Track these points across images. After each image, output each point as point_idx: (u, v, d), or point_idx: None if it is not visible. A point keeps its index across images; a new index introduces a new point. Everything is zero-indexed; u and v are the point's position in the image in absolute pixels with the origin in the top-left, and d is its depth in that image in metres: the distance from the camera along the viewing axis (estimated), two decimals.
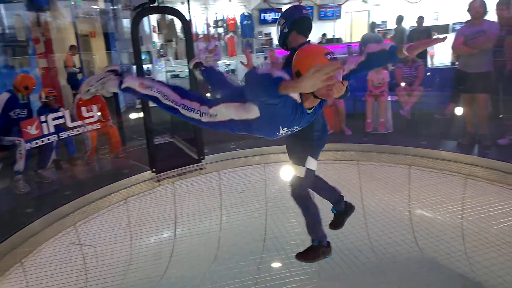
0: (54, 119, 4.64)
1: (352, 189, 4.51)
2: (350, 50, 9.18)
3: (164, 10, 6.05)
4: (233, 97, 2.11)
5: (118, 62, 8.92)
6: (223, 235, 4.00)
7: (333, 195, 2.71)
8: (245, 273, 3.21)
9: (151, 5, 4.76)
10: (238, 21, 11.79)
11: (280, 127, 2.00)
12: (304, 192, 2.53)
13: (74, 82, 7.50)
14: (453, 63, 8.87)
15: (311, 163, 2.49)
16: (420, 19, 8.25)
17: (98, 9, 8.05)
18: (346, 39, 11.64)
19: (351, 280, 3.40)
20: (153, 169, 4.85)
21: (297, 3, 4.53)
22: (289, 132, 2.07)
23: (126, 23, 9.03)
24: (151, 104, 7.79)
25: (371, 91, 6.14)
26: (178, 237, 4.00)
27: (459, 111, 5.44)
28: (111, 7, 8.66)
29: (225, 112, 2.09)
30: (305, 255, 2.61)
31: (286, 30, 2.51)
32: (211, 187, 4.72)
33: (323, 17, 12.07)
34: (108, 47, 8.44)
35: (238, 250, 3.63)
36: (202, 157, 5.19)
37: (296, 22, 2.50)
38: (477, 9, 4.73)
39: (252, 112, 1.99)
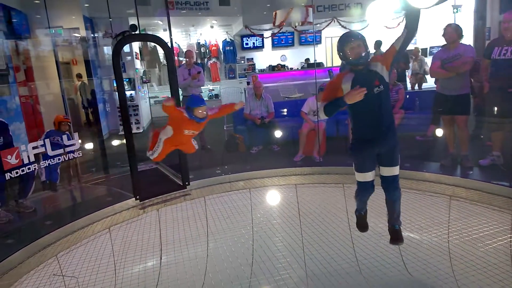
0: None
1: (338, 212, 4.53)
2: (331, 74, 9.42)
3: (145, 37, 6.12)
4: None
5: (99, 88, 8.91)
6: (210, 261, 3.92)
7: None
8: None
9: (133, 33, 4.82)
10: (221, 47, 12.03)
11: None
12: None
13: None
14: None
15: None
16: None
17: (79, 37, 8.09)
18: (327, 63, 11.96)
19: None
20: (137, 196, 4.78)
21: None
22: None
23: (107, 50, 9.08)
24: (134, 130, 7.73)
25: None
26: (164, 265, 3.90)
27: (439, 132, 5.58)
28: (92, 35, 8.72)
29: None
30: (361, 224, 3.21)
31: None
32: (197, 213, 4.67)
33: (304, 43, 12.44)
34: (90, 74, 8.44)
35: (225, 277, 3.56)
36: (187, 183, 5.16)
37: None
38: (450, 34, 4.92)
39: None
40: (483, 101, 5.25)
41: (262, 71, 11.86)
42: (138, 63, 10.53)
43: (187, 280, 3.56)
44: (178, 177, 5.29)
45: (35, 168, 4.57)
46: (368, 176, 2.76)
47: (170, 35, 5.94)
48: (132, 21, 6.97)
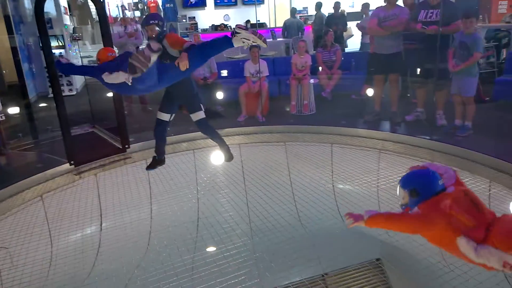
0: None
1: (280, 168, 4.67)
2: (274, 34, 9.35)
3: None
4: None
5: (23, 46, 8.06)
6: (154, 223, 3.89)
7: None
8: (178, 258, 3.17)
9: None
10: (160, 4, 11.36)
11: None
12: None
13: None
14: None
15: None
16: (337, 4, 8.67)
17: None
18: (270, 24, 11.81)
19: (284, 254, 3.54)
20: (71, 162, 4.52)
21: None
22: None
23: (28, 4, 8.19)
24: (66, 92, 7.21)
25: (295, 75, 6.35)
26: (104, 231, 3.80)
27: (371, 92, 5.87)
28: None
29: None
30: (150, 165, 3.83)
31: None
32: (139, 177, 4.53)
33: (247, 2, 12.13)
34: (11, 31, 7.58)
35: (168, 235, 3.57)
36: (127, 146, 4.96)
37: None
38: None
39: None
40: (410, 62, 5.54)
41: (204, 30, 11.44)
42: (67, 19, 9.63)
43: (130, 242, 3.52)
44: (117, 140, 5.07)
45: None
46: (163, 116, 3.56)
47: None
48: None
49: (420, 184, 2.02)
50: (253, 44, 2.90)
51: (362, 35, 8.67)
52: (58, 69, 3.51)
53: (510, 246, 1.73)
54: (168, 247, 3.32)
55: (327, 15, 9.29)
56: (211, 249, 3.44)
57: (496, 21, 8.35)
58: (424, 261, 3.26)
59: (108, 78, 2.95)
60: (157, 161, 3.83)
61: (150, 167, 3.83)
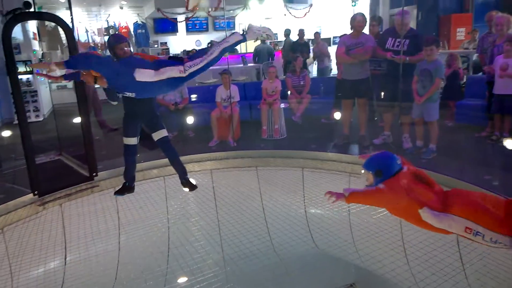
0: None
1: (252, 194, 4.65)
2: (245, 60, 9.52)
3: (41, 16, 5.54)
4: None
5: None
6: (122, 255, 3.76)
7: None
8: None
9: (26, 10, 4.33)
10: (132, 30, 11.40)
11: None
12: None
13: None
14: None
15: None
16: (301, 32, 9.03)
17: None
18: (240, 49, 12.03)
19: (257, 283, 3.49)
20: (35, 192, 4.35)
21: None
22: None
23: None
24: (33, 118, 6.98)
25: (265, 99, 6.45)
26: (69, 264, 3.63)
27: (339, 116, 6.04)
28: None
29: None
30: (119, 190, 3.73)
31: None
32: (106, 206, 4.41)
33: (218, 28, 12.36)
34: None
35: (139, 269, 3.44)
36: (94, 174, 4.84)
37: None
38: (360, 23, 5.32)
39: None
40: (376, 87, 5.76)
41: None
42: (36, 44, 9.47)
43: (95, 276, 3.37)
44: (85, 168, 4.93)
45: None
46: (130, 141, 3.50)
47: (71, 14, 5.44)
48: None
49: (383, 165, 2.29)
50: (266, 35, 3.05)
51: (317, 61, 9.14)
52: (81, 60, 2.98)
53: (472, 214, 2.05)
54: (136, 280, 3.21)
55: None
56: (181, 280, 3.34)
57: (455, 47, 8.91)
58: (397, 286, 3.29)
59: (145, 75, 2.81)
60: (126, 188, 3.75)
61: (119, 192, 3.73)
